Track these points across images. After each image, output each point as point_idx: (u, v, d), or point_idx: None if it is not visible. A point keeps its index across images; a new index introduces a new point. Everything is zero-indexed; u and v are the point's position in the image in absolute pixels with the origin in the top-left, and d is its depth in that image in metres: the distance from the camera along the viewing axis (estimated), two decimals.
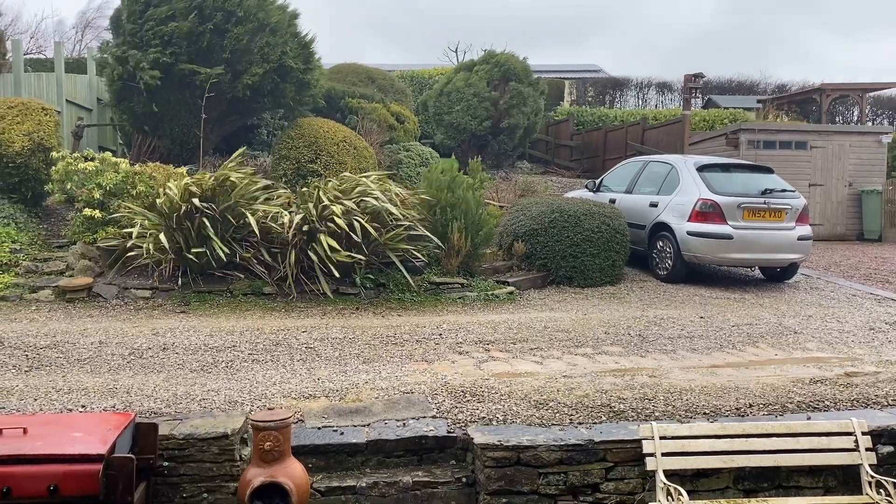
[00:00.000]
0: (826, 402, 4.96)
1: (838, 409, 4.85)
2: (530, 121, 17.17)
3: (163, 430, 4.01)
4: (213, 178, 7.92)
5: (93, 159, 8.83)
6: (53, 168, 8.81)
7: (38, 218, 9.61)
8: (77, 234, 8.44)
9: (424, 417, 4.56)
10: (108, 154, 8.95)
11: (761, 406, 4.85)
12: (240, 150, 8.95)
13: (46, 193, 9.43)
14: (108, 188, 8.40)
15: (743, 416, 4.71)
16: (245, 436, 4.20)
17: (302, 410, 4.62)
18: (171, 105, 10.38)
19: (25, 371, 5.36)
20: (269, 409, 4.54)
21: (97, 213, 8.22)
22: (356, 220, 7.66)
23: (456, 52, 26.93)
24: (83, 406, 4.60)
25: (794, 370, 5.70)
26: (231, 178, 8.01)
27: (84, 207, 8.31)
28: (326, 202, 7.84)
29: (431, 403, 4.78)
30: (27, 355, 5.73)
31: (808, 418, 4.63)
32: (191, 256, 7.61)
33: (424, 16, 61.27)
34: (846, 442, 4.26)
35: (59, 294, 7.63)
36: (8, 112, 9.38)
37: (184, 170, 8.49)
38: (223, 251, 7.54)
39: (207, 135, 10.36)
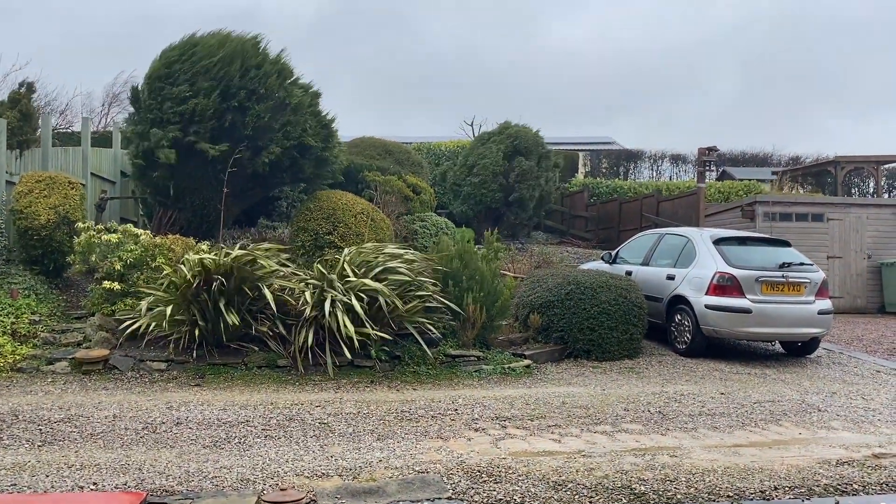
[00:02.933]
0: (854, 485, 4.80)
1: (867, 493, 4.68)
2: (544, 191, 17.37)
3: None
4: (233, 257, 8.00)
5: (115, 231, 8.98)
6: (77, 240, 8.96)
7: (59, 289, 9.71)
8: (95, 305, 8.52)
9: (440, 499, 4.45)
10: (129, 226, 9.12)
11: (787, 489, 4.69)
12: (266, 246, 8.93)
13: (68, 264, 9.56)
14: (127, 261, 8.51)
15: (768, 499, 4.56)
16: None
17: (314, 490, 4.52)
18: (192, 179, 10.56)
19: (39, 446, 5.32)
20: (281, 489, 4.45)
21: (116, 286, 8.31)
22: (376, 293, 7.68)
23: (472, 125, 27.52)
24: (95, 483, 4.53)
25: (820, 450, 5.54)
26: (253, 259, 8.13)
27: (103, 279, 8.41)
28: (347, 275, 7.89)
29: (447, 484, 4.67)
30: (41, 429, 5.70)
31: (837, 502, 4.47)
32: (205, 329, 7.63)
33: (458, 88, 63.73)
34: None
35: (75, 366, 7.64)
36: (36, 186, 9.61)
37: (204, 245, 8.59)
38: (236, 324, 7.56)
39: (228, 207, 10.52)
